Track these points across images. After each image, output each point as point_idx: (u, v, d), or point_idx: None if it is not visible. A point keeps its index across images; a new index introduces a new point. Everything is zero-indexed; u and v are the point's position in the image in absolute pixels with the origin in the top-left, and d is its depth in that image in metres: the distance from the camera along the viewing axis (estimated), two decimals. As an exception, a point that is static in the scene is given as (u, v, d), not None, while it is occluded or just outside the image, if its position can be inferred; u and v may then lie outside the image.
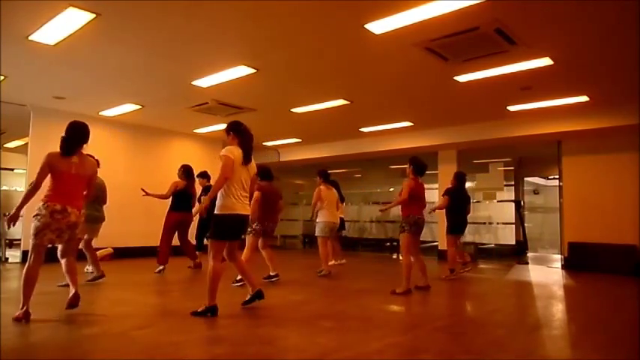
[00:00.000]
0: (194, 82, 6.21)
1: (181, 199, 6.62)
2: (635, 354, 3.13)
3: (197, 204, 6.67)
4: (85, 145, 3.80)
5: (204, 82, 6.16)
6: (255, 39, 4.78)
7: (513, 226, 10.43)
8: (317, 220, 6.68)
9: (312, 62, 5.49)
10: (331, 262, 7.24)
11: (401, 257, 5.41)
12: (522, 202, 11.55)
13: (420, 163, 5.39)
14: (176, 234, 6.70)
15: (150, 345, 3.05)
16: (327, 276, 6.42)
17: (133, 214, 8.39)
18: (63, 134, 3.70)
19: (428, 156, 7.60)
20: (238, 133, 3.96)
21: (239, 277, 5.14)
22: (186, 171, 6.75)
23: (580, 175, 8.17)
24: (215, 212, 3.82)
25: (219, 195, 3.80)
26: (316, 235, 6.71)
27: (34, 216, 3.54)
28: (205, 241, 7.01)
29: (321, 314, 3.94)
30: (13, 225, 3.62)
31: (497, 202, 9.98)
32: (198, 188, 7.08)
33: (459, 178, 6.67)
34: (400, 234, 5.28)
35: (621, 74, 5.63)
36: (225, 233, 3.87)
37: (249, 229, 5.47)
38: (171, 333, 3.33)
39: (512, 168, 11.00)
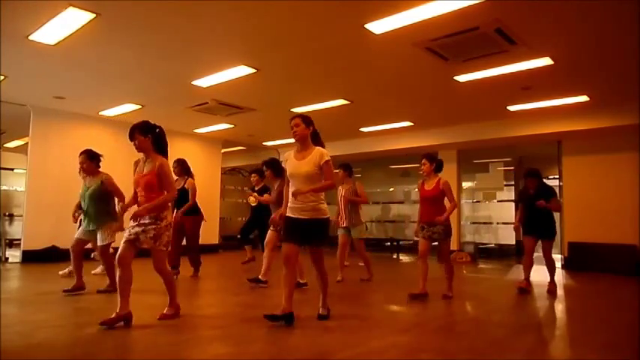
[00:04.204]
0: (194, 82, 6.21)
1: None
2: (635, 354, 3.13)
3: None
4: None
5: (204, 82, 6.16)
6: (255, 39, 4.78)
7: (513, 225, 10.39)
8: (355, 222, 6.12)
9: (312, 62, 5.49)
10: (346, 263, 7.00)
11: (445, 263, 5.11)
12: (522, 202, 11.50)
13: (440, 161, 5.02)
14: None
15: (150, 345, 3.05)
16: (370, 280, 6.15)
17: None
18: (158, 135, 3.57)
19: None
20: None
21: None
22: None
23: (580, 175, 8.17)
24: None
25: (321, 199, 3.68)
26: (358, 238, 6.21)
27: (166, 226, 3.53)
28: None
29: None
30: None
31: (498, 202, 9.97)
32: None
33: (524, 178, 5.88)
34: (447, 239, 4.99)
35: (621, 74, 5.62)
36: None
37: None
38: (172, 333, 3.33)
39: (512, 168, 11.00)
